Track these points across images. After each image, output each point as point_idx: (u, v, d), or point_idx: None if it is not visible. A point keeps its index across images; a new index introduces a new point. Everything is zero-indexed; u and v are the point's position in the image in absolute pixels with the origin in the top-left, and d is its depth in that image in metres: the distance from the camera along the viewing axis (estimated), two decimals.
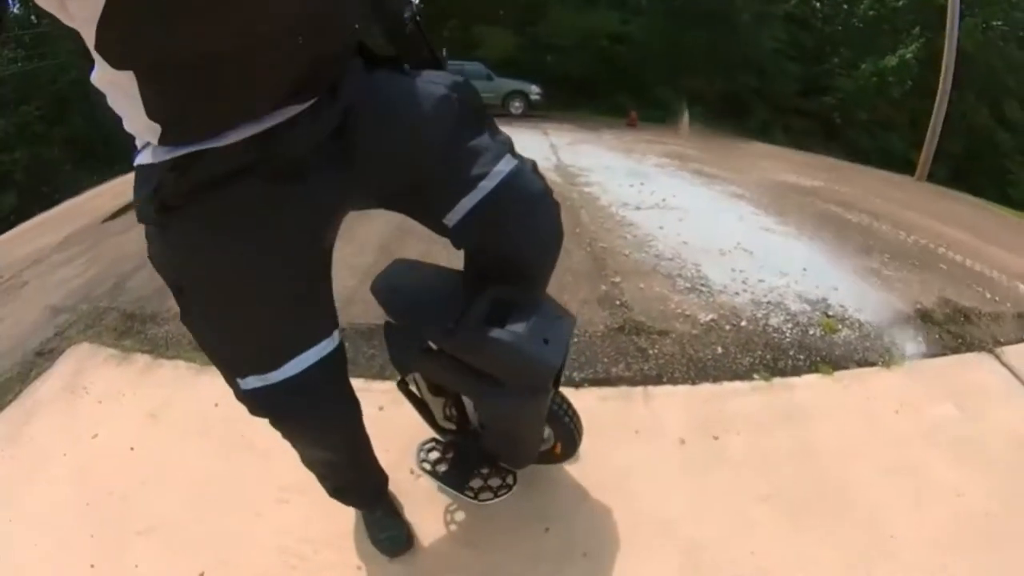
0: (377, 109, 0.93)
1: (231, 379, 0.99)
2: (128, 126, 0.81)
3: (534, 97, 12.40)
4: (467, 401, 1.31)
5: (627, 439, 1.68)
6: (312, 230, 0.94)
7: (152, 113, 0.74)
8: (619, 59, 15.85)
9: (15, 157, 15.90)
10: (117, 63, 0.68)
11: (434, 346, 1.11)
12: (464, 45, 13.99)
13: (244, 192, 0.82)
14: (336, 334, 1.04)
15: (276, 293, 0.92)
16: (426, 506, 1.48)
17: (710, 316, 2.36)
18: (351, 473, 1.32)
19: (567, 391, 1.75)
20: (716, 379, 1.97)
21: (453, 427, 1.41)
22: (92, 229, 4.50)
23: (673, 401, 1.85)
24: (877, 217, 4.49)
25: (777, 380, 1.99)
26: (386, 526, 1.39)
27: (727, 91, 15.83)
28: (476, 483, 1.36)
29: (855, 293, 2.72)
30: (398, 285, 1.21)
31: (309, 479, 1.29)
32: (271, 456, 1.51)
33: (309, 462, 1.25)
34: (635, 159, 6.80)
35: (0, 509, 1.69)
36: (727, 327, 2.29)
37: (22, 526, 1.59)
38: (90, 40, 0.64)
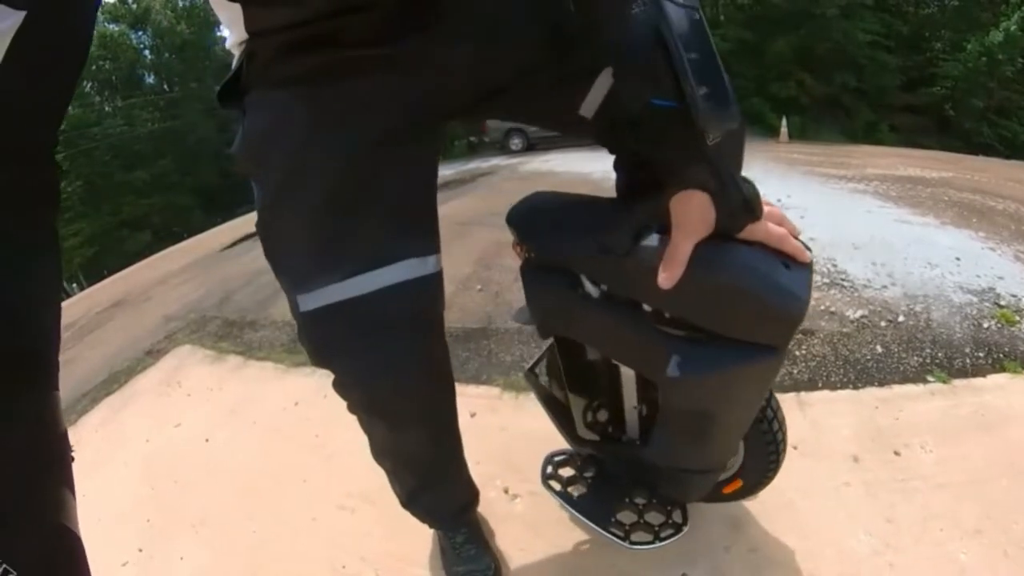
0: None
1: (292, 294, 0.78)
2: (224, 23, 0.74)
3: None
4: (627, 398, 0.94)
5: (786, 456, 1.39)
6: (402, 109, 0.74)
7: None
8: None
9: (152, 202, 20.81)
10: None
11: (593, 291, 0.78)
12: None
13: (323, 59, 0.69)
14: (432, 261, 0.79)
15: (355, 179, 0.72)
16: (523, 536, 1.21)
17: (859, 312, 2.05)
18: (431, 474, 1.03)
19: None
20: (882, 382, 1.66)
21: (597, 438, 1.06)
22: (211, 257, 5.16)
23: (835, 409, 1.56)
24: None
25: (958, 381, 1.65)
26: (468, 557, 1.12)
27: (824, 94, 14.93)
28: (627, 517, 0.99)
29: None
30: (542, 207, 0.87)
31: (380, 486, 1.09)
32: (341, 458, 1.48)
33: (379, 449, 0.99)
34: None
35: (80, 481, 1.76)
36: (882, 323, 1.97)
37: (92, 500, 1.70)
38: None
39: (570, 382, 1.01)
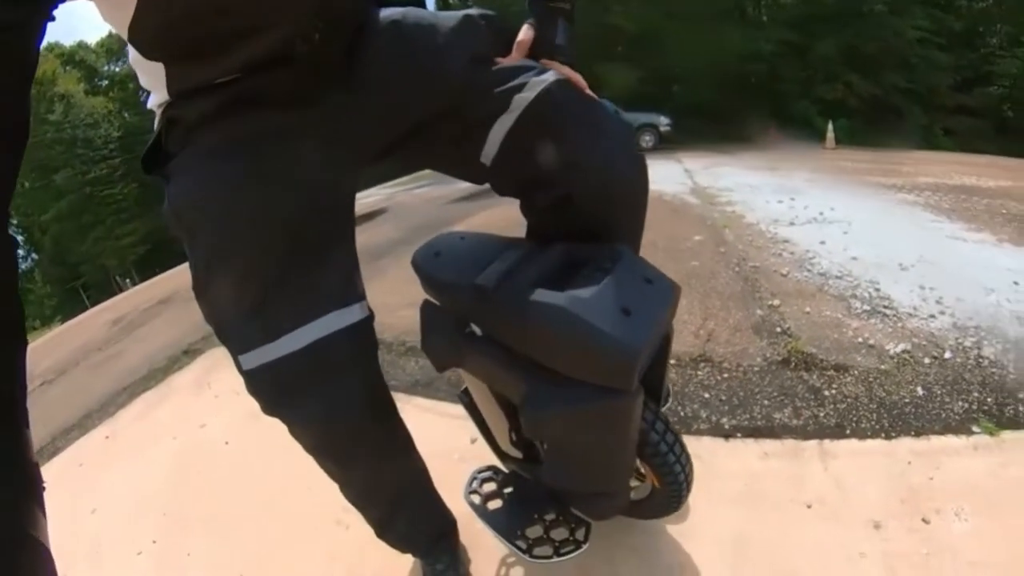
0: (390, 29, 0.83)
1: (234, 355, 0.82)
2: (143, 81, 0.78)
3: (664, 128, 11.84)
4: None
5: (797, 516, 1.25)
6: (322, 166, 0.79)
7: (151, 53, 0.71)
8: (748, 79, 14.99)
9: None
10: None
11: (477, 330, 0.85)
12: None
13: (244, 123, 0.75)
14: (356, 309, 0.83)
15: (278, 242, 0.76)
16: (514, 568, 1.19)
17: (901, 346, 1.87)
18: (393, 505, 1.07)
19: (695, 442, 1.42)
20: (919, 432, 1.48)
21: (520, 455, 1.10)
22: None
23: (862, 463, 1.39)
24: None
25: (1008, 434, 1.45)
26: None
27: (873, 96, 14.30)
28: (534, 532, 1.05)
29: None
30: (442, 251, 0.95)
31: None
32: None
33: (341, 486, 1.02)
34: (781, 175, 6.22)
35: (106, 473, 2.05)
36: (926, 360, 1.79)
37: (117, 490, 1.90)
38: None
39: (497, 399, 1.03)
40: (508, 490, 1.14)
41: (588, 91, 0.88)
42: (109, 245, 26.50)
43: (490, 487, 1.15)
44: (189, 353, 3.27)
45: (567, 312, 0.69)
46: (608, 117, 0.85)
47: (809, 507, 1.27)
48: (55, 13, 0.58)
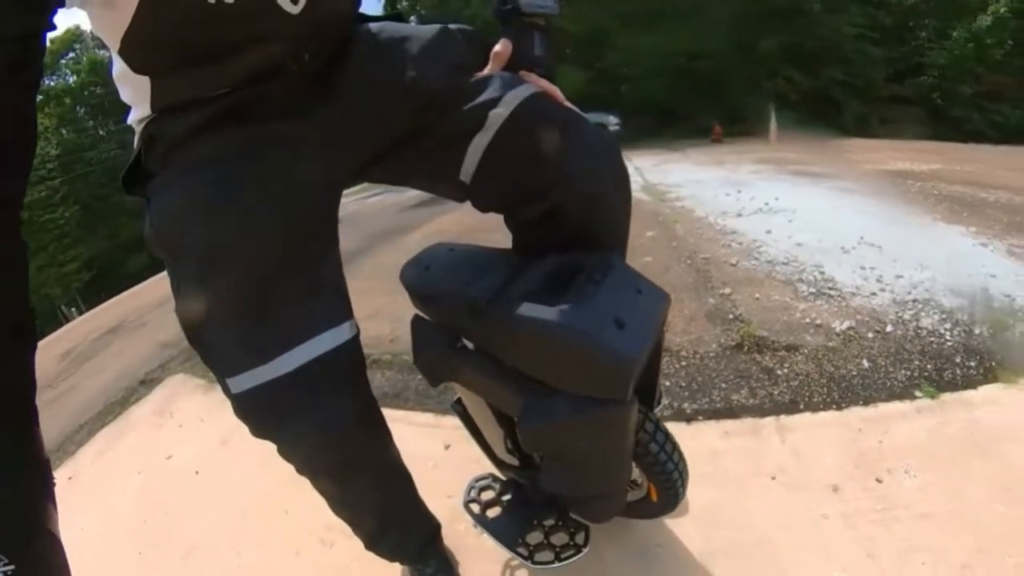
0: (367, 41, 0.82)
1: (221, 378, 0.80)
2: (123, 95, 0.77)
3: (614, 128, 11.97)
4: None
5: (762, 488, 1.31)
6: (307, 182, 0.78)
7: (140, 64, 0.70)
8: (694, 77, 15.36)
9: None
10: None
11: (469, 344, 0.85)
12: None
13: (229, 138, 0.73)
14: (346, 328, 0.81)
15: (264, 263, 0.74)
16: (493, 570, 1.19)
17: (846, 324, 1.97)
18: (387, 517, 1.07)
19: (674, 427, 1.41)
20: (868, 401, 1.57)
21: (516, 462, 1.10)
22: None
23: (817, 433, 1.47)
24: (1017, 191, 3.91)
25: (947, 396, 1.57)
26: None
27: (813, 89, 14.96)
28: (534, 538, 1.07)
29: (1019, 278, 2.25)
30: (431, 265, 0.93)
31: None
32: None
33: (333, 504, 1.02)
34: (728, 169, 6.42)
35: (76, 514, 1.92)
36: (870, 335, 1.90)
37: (88, 533, 1.76)
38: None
39: (492, 408, 1.03)
40: (506, 497, 1.14)
41: (566, 102, 0.87)
42: (52, 273, 25.24)
43: (488, 495, 1.15)
44: (146, 383, 3.11)
45: (561, 326, 0.69)
46: (588, 128, 0.84)
47: (772, 478, 1.33)
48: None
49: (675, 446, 0.98)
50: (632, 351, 0.69)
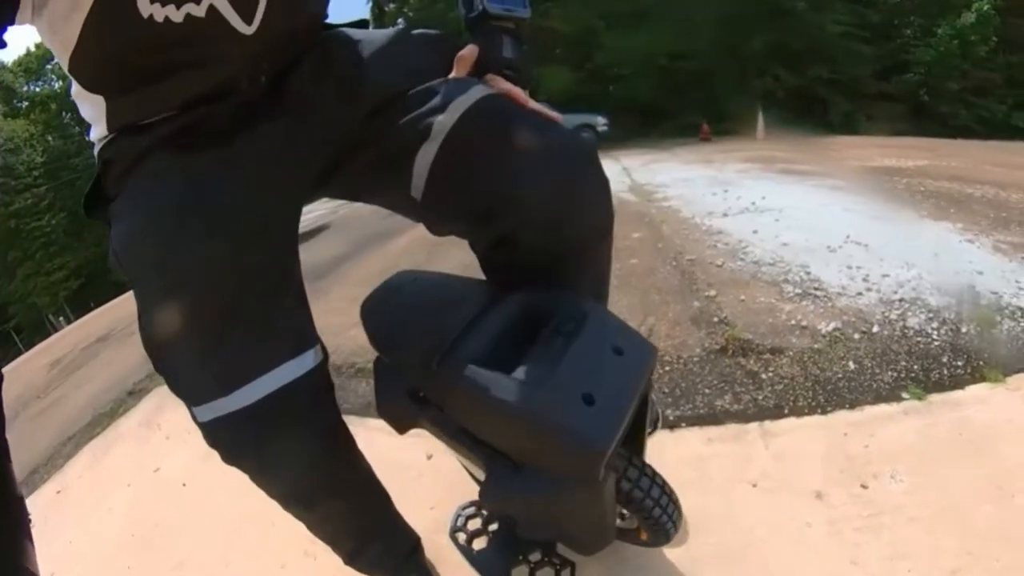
0: (318, 52, 0.78)
1: (188, 407, 0.78)
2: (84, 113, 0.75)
3: (602, 128, 11.90)
4: None
5: (744, 495, 1.28)
6: (261, 196, 0.74)
7: (92, 85, 0.68)
8: (682, 76, 15.43)
9: None
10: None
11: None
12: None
13: (183, 159, 0.71)
14: (310, 356, 0.77)
15: (221, 290, 0.70)
16: None
17: (832, 325, 1.95)
18: (364, 535, 1.04)
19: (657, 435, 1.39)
20: (853, 404, 1.54)
21: None
22: None
23: (801, 438, 1.44)
24: (1003, 187, 3.90)
25: (935, 397, 1.54)
26: None
27: (800, 87, 15.05)
28: (520, 573, 1.04)
29: (1006, 275, 2.22)
30: (391, 302, 0.86)
31: None
32: None
33: (310, 527, 1.00)
34: (715, 168, 6.41)
35: (65, 529, 1.94)
36: (856, 336, 1.87)
37: (78, 548, 1.77)
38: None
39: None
40: (493, 527, 1.11)
41: (532, 105, 0.78)
42: (40, 281, 24.99)
43: (475, 524, 1.13)
44: (134, 394, 3.13)
45: (518, 408, 0.62)
46: (555, 132, 0.75)
47: (755, 485, 1.30)
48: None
49: (662, 488, 0.90)
50: (601, 435, 0.61)
